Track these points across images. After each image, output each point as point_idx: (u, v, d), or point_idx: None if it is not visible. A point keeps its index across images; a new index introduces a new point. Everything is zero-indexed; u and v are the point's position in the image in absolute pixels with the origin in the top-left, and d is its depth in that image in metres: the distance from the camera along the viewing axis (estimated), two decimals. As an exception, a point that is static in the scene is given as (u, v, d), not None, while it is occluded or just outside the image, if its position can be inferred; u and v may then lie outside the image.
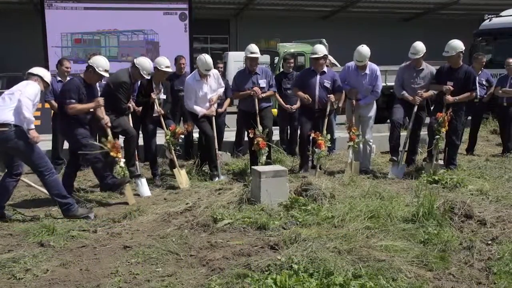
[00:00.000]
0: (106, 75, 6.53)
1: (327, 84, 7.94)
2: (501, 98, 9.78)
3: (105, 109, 6.80)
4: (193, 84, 7.76)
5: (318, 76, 7.93)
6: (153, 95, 7.46)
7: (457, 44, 7.85)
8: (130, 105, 7.35)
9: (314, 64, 7.98)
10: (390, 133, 8.23)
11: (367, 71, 8.10)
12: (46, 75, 6.10)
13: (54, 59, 9.98)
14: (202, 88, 7.78)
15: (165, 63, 7.43)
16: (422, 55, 7.95)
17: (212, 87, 7.90)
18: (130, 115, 7.45)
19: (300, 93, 7.92)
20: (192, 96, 7.76)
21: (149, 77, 7.21)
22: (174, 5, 11.37)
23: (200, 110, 7.75)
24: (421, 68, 8.03)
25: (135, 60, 7.21)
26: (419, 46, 7.96)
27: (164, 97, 7.71)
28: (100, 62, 6.44)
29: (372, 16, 27.01)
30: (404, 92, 8.00)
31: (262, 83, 8.03)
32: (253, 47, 7.95)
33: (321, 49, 8.00)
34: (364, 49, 8.03)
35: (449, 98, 7.73)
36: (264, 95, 7.98)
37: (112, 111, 6.93)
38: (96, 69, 6.37)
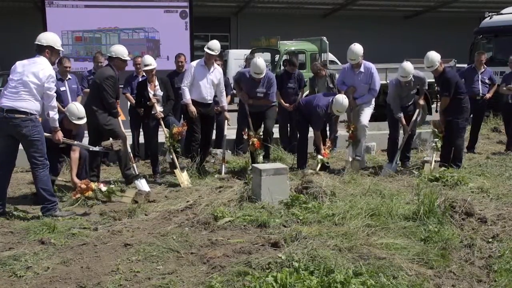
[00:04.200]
0: (80, 123, 6.50)
1: (333, 116, 8.24)
2: (506, 96, 9.79)
3: (95, 107, 6.82)
4: (195, 68, 7.77)
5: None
6: (153, 99, 7.51)
7: (436, 55, 7.92)
8: (123, 100, 7.37)
9: (334, 114, 8.05)
10: (388, 147, 8.47)
11: (362, 70, 8.19)
12: (58, 41, 5.98)
13: (54, 57, 9.98)
14: (202, 75, 7.78)
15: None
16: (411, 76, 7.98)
17: (213, 80, 7.89)
18: (128, 113, 7.46)
19: (321, 144, 8.03)
20: (188, 79, 7.74)
21: (129, 58, 7.21)
22: (174, 3, 11.35)
23: (187, 99, 7.73)
24: (412, 80, 8.09)
25: (109, 53, 7.20)
26: (409, 67, 7.93)
27: (161, 93, 7.70)
28: (73, 111, 6.43)
29: (372, 14, 27.01)
30: (400, 115, 8.09)
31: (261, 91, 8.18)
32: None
33: (345, 108, 7.92)
34: (357, 48, 8.13)
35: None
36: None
37: (104, 109, 6.93)
38: (69, 118, 6.43)
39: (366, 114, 8.32)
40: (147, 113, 7.71)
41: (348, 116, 8.33)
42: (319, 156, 7.83)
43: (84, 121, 6.55)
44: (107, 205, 6.35)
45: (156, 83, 7.68)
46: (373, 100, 8.40)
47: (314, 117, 8.06)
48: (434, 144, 7.98)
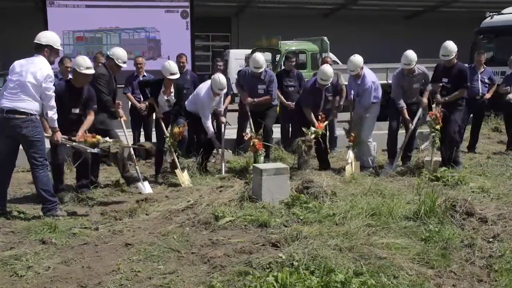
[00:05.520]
0: (89, 72, 6.46)
1: (330, 97, 8.23)
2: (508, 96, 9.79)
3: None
4: (208, 101, 7.83)
5: (323, 94, 8.11)
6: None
7: (453, 46, 7.95)
8: (120, 101, 7.37)
9: (321, 86, 8.04)
10: (388, 138, 8.44)
11: (359, 81, 8.17)
12: (57, 41, 5.99)
13: (55, 56, 9.99)
14: (210, 104, 7.91)
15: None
16: (415, 64, 7.97)
17: (216, 100, 8.04)
18: (129, 113, 7.47)
19: (313, 118, 7.99)
20: (208, 113, 7.84)
21: (124, 65, 7.21)
22: (175, 3, 11.37)
23: (211, 133, 7.86)
24: (415, 73, 8.08)
25: (108, 52, 7.27)
26: (412, 55, 7.94)
27: (174, 100, 7.73)
28: (80, 61, 6.42)
29: (373, 14, 26.98)
30: (403, 105, 8.06)
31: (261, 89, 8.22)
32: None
33: (331, 75, 7.98)
34: (356, 59, 8.10)
35: (438, 99, 7.94)
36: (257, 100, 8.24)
37: (102, 109, 6.95)
38: (77, 69, 6.41)
39: (367, 127, 8.26)
40: (150, 112, 7.75)
41: (350, 123, 8.38)
42: (312, 128, 7.81)
43: (92, 70, 6.53)
44: (108, 205, 6.37)
45: (172, 89, 7.68)
46: (377, 110, 8.34)
47: (302, 93, 8.19)
48: (432, 139, 7.99)
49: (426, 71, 8.24)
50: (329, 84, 8.07)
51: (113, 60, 7.04)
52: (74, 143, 6.36)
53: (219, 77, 7.77)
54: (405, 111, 8.07)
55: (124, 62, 7.14)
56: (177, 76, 7.63)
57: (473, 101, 9.50)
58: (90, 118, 6.58)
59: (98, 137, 6.45)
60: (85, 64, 6.41)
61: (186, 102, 8.00)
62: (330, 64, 9.62)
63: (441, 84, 8.02)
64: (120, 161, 7.13)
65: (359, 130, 8.21)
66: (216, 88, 7.74)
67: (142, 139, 8.70)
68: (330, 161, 8.45)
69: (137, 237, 5.10)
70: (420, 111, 8.15)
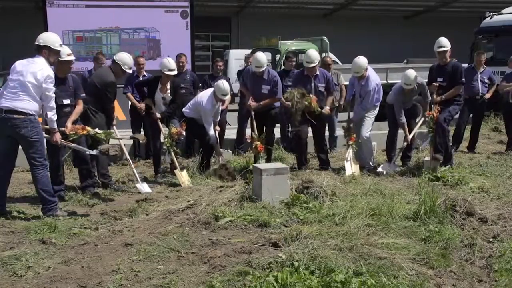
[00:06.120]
0: (70, 58, 6.42)
1: (322, 88, 8.14)
2: (507, 95, 9.80)
3: (94, 108, 6.83)
4: (211, 109, 7.84)
5: (313, 82, 8.08)
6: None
7: (447, 41, 8.03)
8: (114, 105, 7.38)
9: (308, 71, 8.05)
10: (386, 144, 8.50)
11: (363, 82, 8.17)
12: (56, 41, 5.95)
13: (55, 57, 10.00)
14: (212, 111, 7.94)
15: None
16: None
17: (218, 108, 8.11)
18: (129, 113, 7.48)
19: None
20: (211, 120, 7.86)
21: (130, 71, 7.25)
22: (175, 3, 11.38)
23: (214, 139, 7.89)
24: (415, 89, 8.11)
25: (115, 57, 7.26)
26: (412, 76, 7.88)
27: (170, 98, 7.74)
28: (64, 50, 6.36)
29: (372, 14, 27.01)
30: (404, 121, 8.07)
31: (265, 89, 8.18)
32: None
33: (316, 57, 8.04)
34: (360, 61, 8.09)
35: (436, 98, 7.95)
36: (262, 103, 8.15)
37: (102, 112, 6.97)
38: (61, 56, 6.33)
39: (366, 125, 8.26)
40: (148, 113, 7.75)
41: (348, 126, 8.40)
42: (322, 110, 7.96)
43: (73, 56, 6.53)
44: (108, 205, 6.37)
45: (168, 87, 7.69)
46: (376, 110, 8.34)
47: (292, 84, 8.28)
48: (430, 138, 8.00)
49: (424, 82, 8.22)
50: (318, 72, 8.07)
51: (120, 65, 7.04)
52: (73, 144, 6.36)
53: (223, 83, 7.79)
54: (406, 126, 8.10)
55: (130, 68, 7.16)
56: (175, 72, 7.63)
57: (473, 101, 9.52)
58: (78, 108, 6.59)
59: (88, 128, 6.47)
60: (65, 51, 6.38)
61: (184, 109, 8.00)
62: (330, 64, 9.65)
63: (437, 84, 8.02)
64: (103, 164, 7.14)
65: (358, 129, 8.21)
66: (219, 94, 7.75)
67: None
68: (330, 161, 8.45)
69: (137, 237, 5.09)
70: (419, 124, 8.19)
